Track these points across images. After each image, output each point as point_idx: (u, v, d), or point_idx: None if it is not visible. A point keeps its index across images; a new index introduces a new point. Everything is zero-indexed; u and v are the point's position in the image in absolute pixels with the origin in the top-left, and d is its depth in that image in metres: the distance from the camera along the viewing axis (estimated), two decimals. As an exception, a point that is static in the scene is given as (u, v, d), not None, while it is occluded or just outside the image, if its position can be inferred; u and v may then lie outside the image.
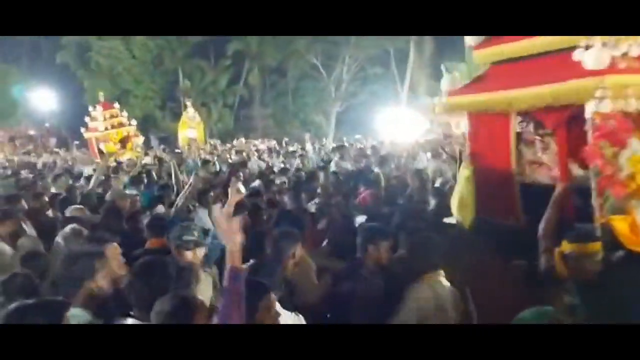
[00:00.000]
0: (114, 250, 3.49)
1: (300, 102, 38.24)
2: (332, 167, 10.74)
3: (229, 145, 22.37)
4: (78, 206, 6.37)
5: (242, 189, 4.25)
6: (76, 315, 2.49)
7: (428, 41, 33.44)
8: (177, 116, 31.38)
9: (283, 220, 5.20)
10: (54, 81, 32.31)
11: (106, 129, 20.87)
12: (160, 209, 6.74)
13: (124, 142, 21.06)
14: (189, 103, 28.20)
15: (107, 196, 7.71)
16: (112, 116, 21.39)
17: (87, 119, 21.41)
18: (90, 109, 21.86)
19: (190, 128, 26.84)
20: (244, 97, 37.28)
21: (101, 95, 22.38)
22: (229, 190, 2.70)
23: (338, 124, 36.90)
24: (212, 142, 24.43)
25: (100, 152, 19.98)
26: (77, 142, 21.49)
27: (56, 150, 21.64)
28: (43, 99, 31.84)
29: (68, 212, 6.08)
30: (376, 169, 9.52)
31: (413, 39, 32.61)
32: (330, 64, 36.36)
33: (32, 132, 29.45)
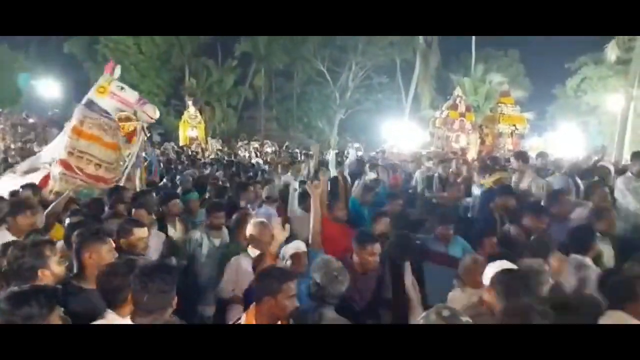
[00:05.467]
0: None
1: (304, 106, 38.32)
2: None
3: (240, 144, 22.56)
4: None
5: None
6: None
7: (434, 54, 33.60)
8: (179, 114, 31.39)
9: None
10: (60, 71, 32.38)
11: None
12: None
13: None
14: (190, 102, 28.37)
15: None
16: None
17: None
18: None
19: (191, 127, 27.04)
20: (249, 99, 37.33)
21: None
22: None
23: (340, 130, 36.98)
24: (213, 143, 24.44)
25: None
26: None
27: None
28: (48, 89, 31.83)
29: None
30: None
31: (419, 50, 32.75)
32: (336, 71, 36.47)
33: (32, 121, 29.38)
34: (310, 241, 4.38)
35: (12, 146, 16.85)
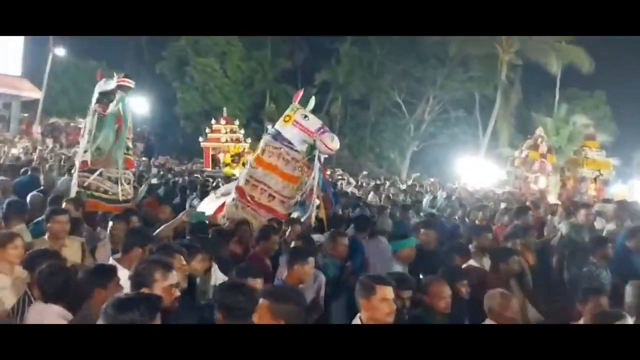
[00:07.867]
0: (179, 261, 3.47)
1: (377, 136, 38.33)
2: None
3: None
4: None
5: None
6: None
7: (516, 91, 32.86)
8: (258, 137, 32.39)
9: None
10: (150, 90, 34.46)
11: (226, 141, 22.35)
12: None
13: (237, 157, 22.32)
14: (269, 126, 29.18)
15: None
16: (232, 131, 22.89)
17: (207, 129, 22.87)
18: (213, 121, 23.26)
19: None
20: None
21: (224, 110, 23.90)
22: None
23: (412, 163, 36.65)
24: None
25: (214, 161, 21.57)
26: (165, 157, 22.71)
27: (144, 159, 22.92)
28: (138, 105, 33.93)
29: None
30: None
31: (500, 86, 32.10)
32: (413, 102, 36.34)
33: (121, 133, 31.29)
34: None
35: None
